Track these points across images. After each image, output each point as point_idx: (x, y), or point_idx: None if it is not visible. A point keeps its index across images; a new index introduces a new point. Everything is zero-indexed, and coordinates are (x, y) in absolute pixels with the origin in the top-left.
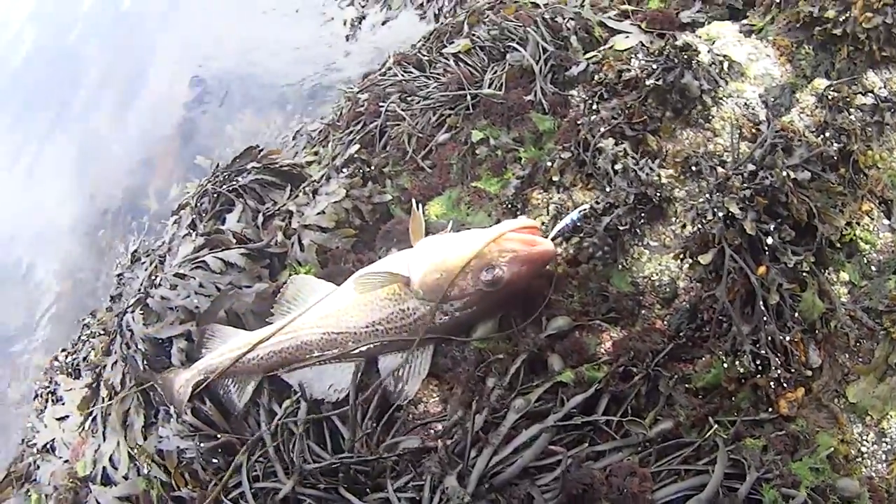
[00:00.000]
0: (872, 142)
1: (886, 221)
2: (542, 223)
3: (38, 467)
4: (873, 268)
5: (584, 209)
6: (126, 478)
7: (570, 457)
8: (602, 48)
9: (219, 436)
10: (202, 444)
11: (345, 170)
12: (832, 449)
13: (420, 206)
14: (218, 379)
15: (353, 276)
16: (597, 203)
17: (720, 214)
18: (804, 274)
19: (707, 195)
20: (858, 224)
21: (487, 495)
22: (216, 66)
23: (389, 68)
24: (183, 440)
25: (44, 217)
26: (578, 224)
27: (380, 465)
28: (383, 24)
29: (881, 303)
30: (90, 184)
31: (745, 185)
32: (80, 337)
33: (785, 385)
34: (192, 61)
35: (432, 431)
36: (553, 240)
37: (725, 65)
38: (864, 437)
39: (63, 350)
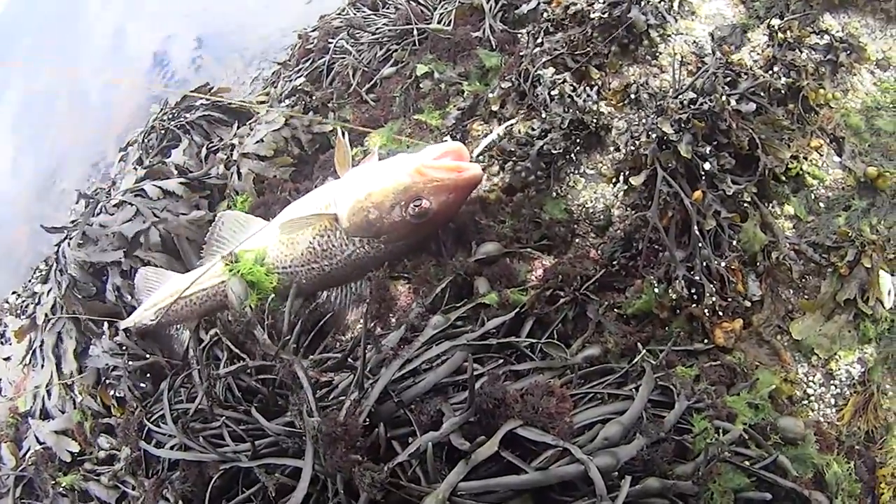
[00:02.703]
0: (825, 81)
1: (837, 159)
2: (481, 167)
3: None
4: (821, 204)
5: (509, 124)
6: (62, 411)
7: (483, 373)
8: None
9: (147, 356)
10: (130, 363)
11: (287, 101)
12: (774, 387)
13: (345, 134)
14: (157, 328)
15: (279, 219)
16: (532, 129)
17: (654, 136)
18: (745, 204)
19: (643, 120)
20: (806, 159)
21: (396, 409)
22: (179, 15)
23: (344, 9)
24: (112, 358)
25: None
26: (502, 138)
27: (294, 384)
28: None
29: (829, 238)
30: (48, 134)
31: (682, 110)
32: (30, 280)
33: (721, 314)
34: (156, 16)
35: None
36: (478, 157)
37: (676, 3)
38: (811, 379)
39: (13, 292)
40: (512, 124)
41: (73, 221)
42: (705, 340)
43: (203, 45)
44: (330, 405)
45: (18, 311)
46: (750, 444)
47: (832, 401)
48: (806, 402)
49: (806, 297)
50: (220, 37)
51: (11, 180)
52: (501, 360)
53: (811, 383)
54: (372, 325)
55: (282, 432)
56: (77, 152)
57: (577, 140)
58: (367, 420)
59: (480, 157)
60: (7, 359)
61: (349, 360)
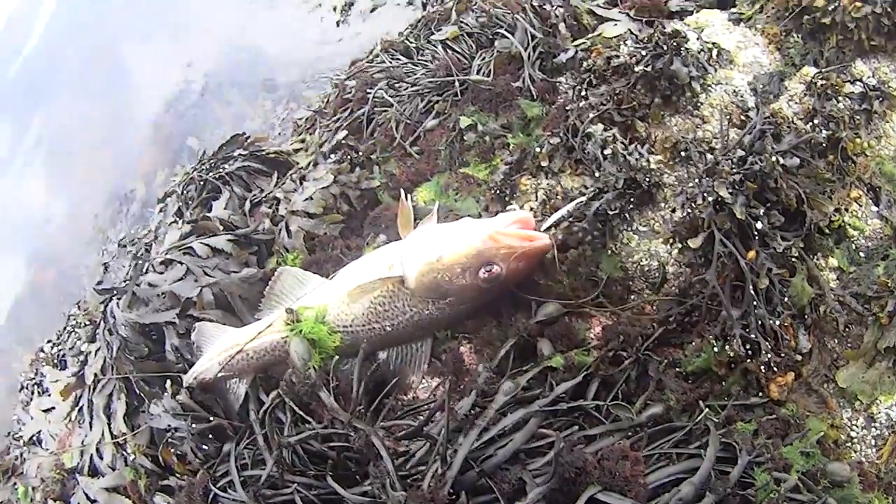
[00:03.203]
0: (861, 129)
1: (875, 208)
2: (531, 209)
3: (25, 460)
4: (862, 254)
5: (580, 201)
6: (112, 468)
7: (560, 440)
8: (590, 35)
9: (211, 419)
10: (193, 426)
11: (332, 156)
12: (822, 433)
13: (408, 195)
14: (214, 383)
15: (339, 277)
16: (586, 188)
17: (710, 199)
18: (793, 259)
19: (696, 180)
20: (847, 210)
21: (478, 479)
22: (205, 52)
23: (377, 55)
24: (174, 419)
25: (25, 205)
26: (572, 216)
27: (370, 453)
28: (371, 11)
29: (870, 288)
30: (76, 171)
31: (734, 170)
32: (65, 327)
33: (775, 369)
34: (182, 48)
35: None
36: (547, 230)
37: (714, 52)
38: (854, 422)
39: (49, 341)
40: (582, 202)
41: (104, 264)
42: (760, 394)
43: (232, 83)
44: (408, 475)
45: (55, 362)
46: (802, 490)
47: (872, 441)
48: (849, 444)
49: (850, 346)
50: (247, 74)
51: (40, 221)
52: (575, 426)
53: (854, 427)
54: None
55: (362, 502)
56: (101, 190)
57: (631, 198)
58: (452, 491)
59: (549, 229)
60: (48, 410)
61: (424, 428)
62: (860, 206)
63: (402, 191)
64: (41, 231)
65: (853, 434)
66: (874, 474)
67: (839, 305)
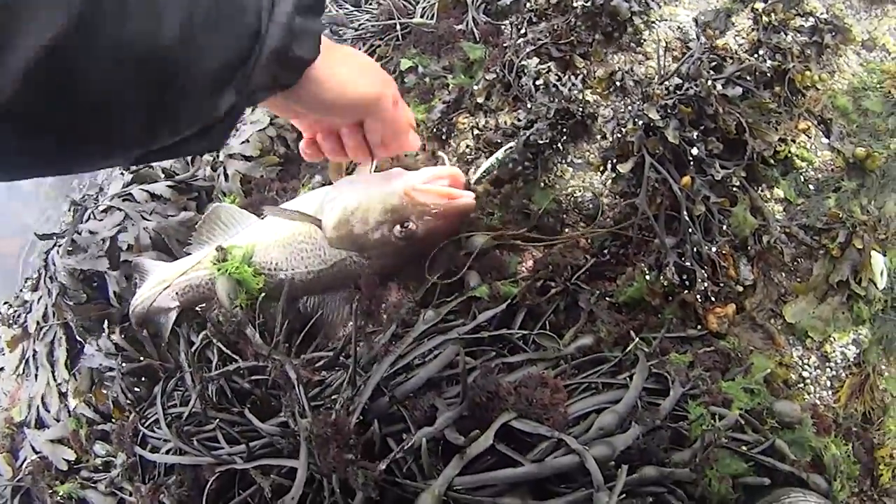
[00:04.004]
0: (811, 63)
1: (825, 140)
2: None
3: None
4: (811, 186)
5: (510, 146)
6: (58, 419)
7: (476, 367)
8: None
9: (141, 358)
10: (124, 365)
11: None
12: (769, 371)
13: None
14: (148, 315)
15: (272, 218)
16: (518, 120)
17: (640, 122)
18: (734, 189)
19: (629, 107)
20: (794, 142)
21: (390, 406)
22: None
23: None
24: (107, 358)
25: None
26: (504, 163)
27: (287, 385)
28: None
29: (819, 220)
30: None
31: (668, 95)
32: (21, 289)
33: (714, 300)
34: None
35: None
36: (477, 182)
37: None
38: (806, 362)
39: (5, 302)
40: (511, 148)
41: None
42: (698, 326)
43: None
44: (324, 404)
45: (11, 322)
46: (747, 430)
47: (828, 383)
48: (802, 385)
49: (798, 280)
50: None
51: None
52: (494, 353)
53: (806, 366)
54: (362, 321)
55: (276, 433)
56: None
57: (564, 129)
58: (361, 418)
59: (480, 180)
60: (1, 369)
61: (341, 357)
62: (809, 137)
63: None
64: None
65: (805, 374)
66: (831, 418)
67: (785, 237)
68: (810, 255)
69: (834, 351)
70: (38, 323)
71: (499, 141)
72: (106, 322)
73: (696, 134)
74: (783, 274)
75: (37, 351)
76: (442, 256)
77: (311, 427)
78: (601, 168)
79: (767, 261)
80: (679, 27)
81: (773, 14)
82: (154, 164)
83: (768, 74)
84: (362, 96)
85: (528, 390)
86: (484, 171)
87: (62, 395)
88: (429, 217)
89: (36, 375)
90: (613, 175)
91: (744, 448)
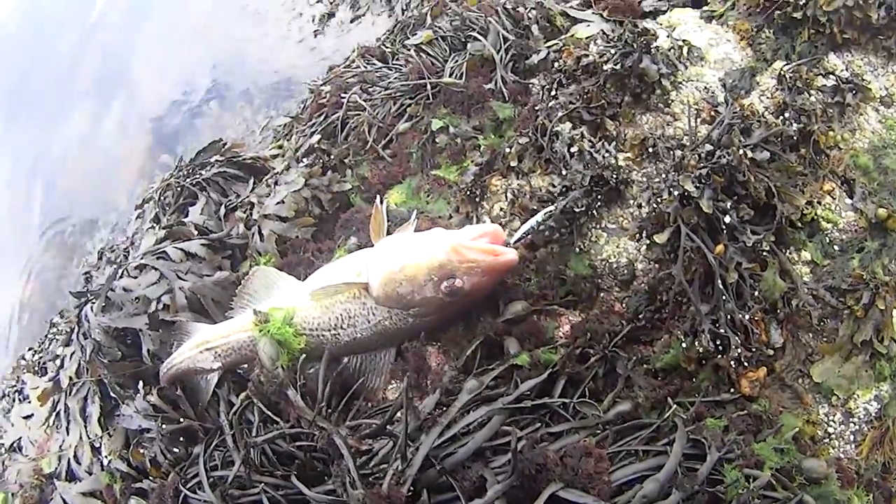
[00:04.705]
0: (834, 122)
1: (849, 201)
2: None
3: (6, 467)
4: (836, 247)
5: (549, 210)
6: (89, 472)
7: (522, 437)
8: (563, 37)
9: (181, 420)
10: (164, 427)
11: (305, 160)
12: (797, 429)
13: (383, 202)
14: (184, 376)
15: (310, 280)
16: (553, 186)
17: (675, 193)
18: (764, 253)
19: (663, 175)
20: (820, 203)
21: (439, 477)
22: (185, 62)
23: (353, 61)
24: (145, 420)
25: (6, 217)
26: (542, 227)
27: (334, 452)
28: (352, 21)
29: (844, 281)
30: (56, 184)
31: (701, 164)
32: (46, 335)
33: (746, 364)
34: (162, 59)
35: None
36: (516, 243)
37: (685, 49)
38: (831, 418)
39: (30, 349)
40: (551, 212)
41: (85, 273)
42: (731, 390)
43: (212, 92)
44: (371, 473)
45: (36, 369)
46: (777, 487)
47: (851, 437)
48: (827, 440)
49: (825, 340)
50: (228, 83)
51: (23, 231)
52: (538, 423)
53: (832, 423)
54: (411, 394)
55: (325, 501)
56: (85, 202)
57: (599, 196)
58: (413, 490)
59: (518, 241)
60: (28, 417)
61: (387, 427)
62: (833, 198)
63: (377, 196)
64: (25, 241)
65: (830, 430)
66: (853, 471)
67: (813, 299)
68: (836, 316)
69: (857, 407)
70: (70, 378)
71: (534, 207)
72: (141, 383)
73: (729, 204)
74: (810, 335)
75: (69, 406)
76: (481, 323)
77: (363, 499)
78: (637, 236)
79: (796, 323)
80: (706, 87)
81: (796, 73)
82: (185, 219)
83: (794, 137)
84: None
85: (573, 460)
86: (524, 233)
87: (95, 450)
88: (475, 273)
89: (67, 429)
90: (647, 242)
91: None
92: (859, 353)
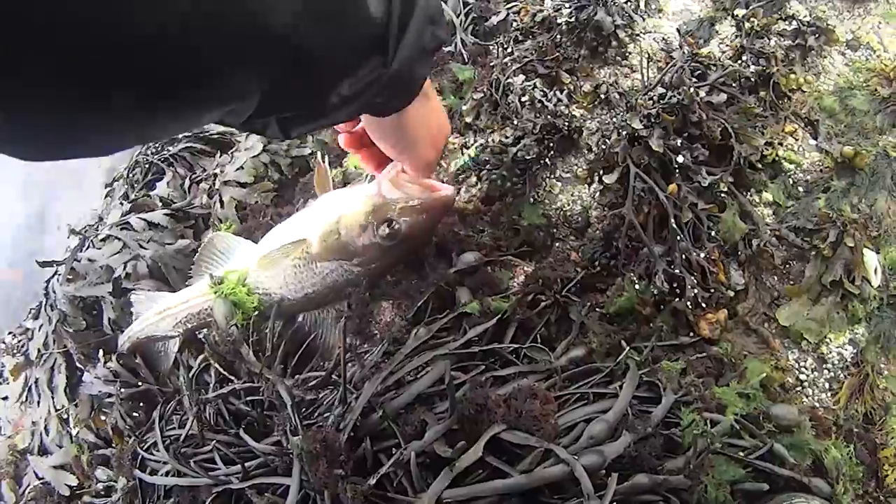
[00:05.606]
0: (795, 65)
1: (813, 142)
2: (459, 180)
3: None
4: (800, 188)
5: (481, 143)
6: (60, 446)
7: (465, 381)
8: None
9: (139, 384)
10: (123, 391)
11: None
12: (764, 375)
13: (325, 157)
14: (146, 343)
15: (262, 243)
16: (506, 138)
17: (624, 133)
18: (722, 195)
19: (614, 118)
20: (782, 145)
21: (381, 422)
22: None
23: None
24: (105, 385)
25: None
26: (478, 159)
27: (282, 405)
28: None
29: (810, 221)
30: (34, 170)
31: (652, 105)
32: (26, 318)
33: (705, 306)
34: None
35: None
36: (456, 176)
37: (642, 1)
38: (802, 364)
39: (10, 332)
40: (483, 145)
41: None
42: (690, 334)
43: None
44: (316, 422)
45: (14, 351)
46: (743, 435)
47: (826, 385)
48: (799, 388)
49: (791, 282)
50: None
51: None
52: (485, 368)
53: (803, 369)
54: (352, 338)
55: (270, 452)
56: (69, 188)
57: (551, 144)
58: (352, 435)
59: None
60: (5, 398)
61: (333, 376)
62: (797, 139)
63: (317, 154)
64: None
65: (802, 377)
66: (831, 421)
67: (776, 240)
68: (802, 257)
69: (831, 352)
70: (38, 350)
71: (487, 159)
72: (101, 351)
73: (680, 142)
74: (775, 277)
75: (38, 378)
76: (433, 275)
77: (302, 444)
78: (588, 181)
79: (758, 265)
80: (664, 38)
81: (754, 20)
82: (152, 193)
83: (752, 80)
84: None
85: (518, 402)
86: (458, 168)
87: (63, 422)
88: (412, 212)
89: (38, 402)
90: (601, 187)
91: (741, 454)
92: (829, 295)
